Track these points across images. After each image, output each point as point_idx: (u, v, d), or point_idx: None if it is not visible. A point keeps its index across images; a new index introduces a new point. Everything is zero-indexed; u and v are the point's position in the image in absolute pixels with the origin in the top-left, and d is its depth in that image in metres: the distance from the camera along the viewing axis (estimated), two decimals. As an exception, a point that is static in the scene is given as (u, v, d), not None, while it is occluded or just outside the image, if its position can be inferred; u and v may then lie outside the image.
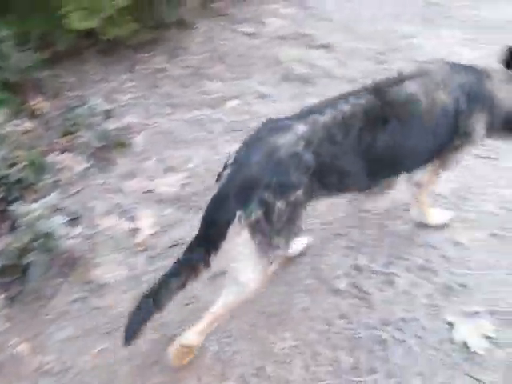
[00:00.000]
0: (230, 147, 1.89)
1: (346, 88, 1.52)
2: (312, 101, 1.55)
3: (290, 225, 1.37)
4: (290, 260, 1.69)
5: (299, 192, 1.35)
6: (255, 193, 1.31)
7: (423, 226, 1.80)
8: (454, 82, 1.56)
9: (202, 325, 1.39)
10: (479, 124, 1.62)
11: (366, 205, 1.90)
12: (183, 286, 1.33)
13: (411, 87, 1.50)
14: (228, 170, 1.36)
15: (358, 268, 1.67)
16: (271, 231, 1.33)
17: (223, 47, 3.05)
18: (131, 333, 1.32)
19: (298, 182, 1.34)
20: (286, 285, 1.63)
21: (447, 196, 1.92)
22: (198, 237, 1.36)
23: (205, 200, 1.37)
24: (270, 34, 3.19)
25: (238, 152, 1.39)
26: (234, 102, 2.55)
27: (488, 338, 1.44)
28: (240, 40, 3.12)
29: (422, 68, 1.59)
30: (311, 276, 1.66)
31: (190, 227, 1.81)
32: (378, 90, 1.48)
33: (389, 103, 1.46)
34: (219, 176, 1.38)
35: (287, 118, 1.43)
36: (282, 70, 2.77)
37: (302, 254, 1.72)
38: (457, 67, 1.61)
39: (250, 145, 1.40)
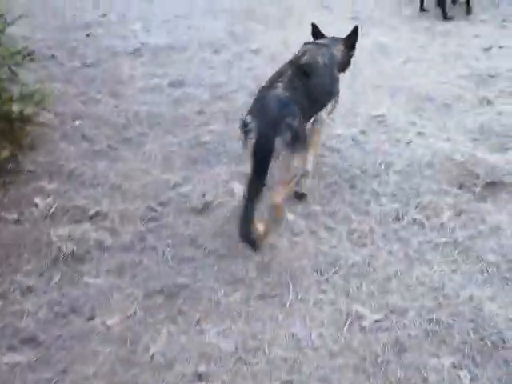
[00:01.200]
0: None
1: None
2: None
3: (303, 135, 2.48)
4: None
5: (300, 117, 2.40)
6: (282, 123, 2.29)
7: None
8: (325, 52, 2.81)
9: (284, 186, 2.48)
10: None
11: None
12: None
13: (308, 56, 2.70)
14: (253, 122, 2.32)
15: None
16: (296, 142, 2.35)
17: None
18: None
19: (297, 111, 2.37)
20: None
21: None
22: (254, 170, 2.28)
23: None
24: (38, 215, 3.03)
25: (252, 108, 2.42)
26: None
27: None
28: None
29: (305, 48, 2.82)
30: None
31: None
32: (294, 62, 2.65)
33: (304, 66, 2.62)
34: (244, 125, 2.35)
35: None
36: (53, 252, 2.63)
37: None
38: (320, 44, 2.93)
39: (259, 100, 2.43)
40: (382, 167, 3.26)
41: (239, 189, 2.93)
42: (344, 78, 3.23)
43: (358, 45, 3.12)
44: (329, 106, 2.89)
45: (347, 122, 3.72)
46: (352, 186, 3.12)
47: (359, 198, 3.03)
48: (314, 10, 5.41)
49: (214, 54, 4.74)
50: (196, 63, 4.61)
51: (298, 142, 2.39)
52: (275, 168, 2.38)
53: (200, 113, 3.90)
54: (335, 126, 3.65)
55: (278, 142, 2.28)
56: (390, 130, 3.61)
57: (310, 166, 2.92)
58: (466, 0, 5.25)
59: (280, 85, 2.42)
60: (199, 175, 3.22)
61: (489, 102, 3.88)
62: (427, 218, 2.88)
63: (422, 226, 2.84)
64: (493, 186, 3.07)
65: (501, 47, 4.59)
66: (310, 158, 2.90)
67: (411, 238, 2.73)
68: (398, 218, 2.88)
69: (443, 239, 2.73)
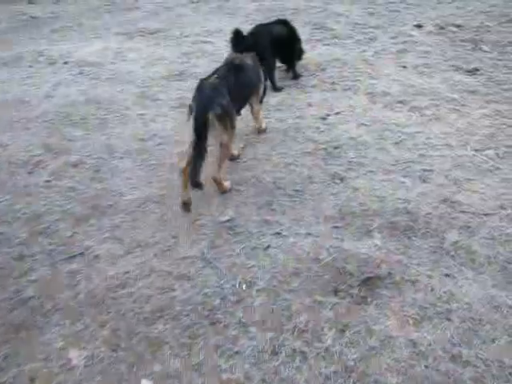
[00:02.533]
0: None
1: None
2: None
3: (232, 113, 3.37)
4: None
5: (228, 98, 3.26)
6: (214, 101, 3.18)
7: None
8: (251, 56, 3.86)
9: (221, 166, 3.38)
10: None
11: None
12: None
13: (239, 59, 3.68)
14: (194, 103, 3.21)
15: None
16: (227, 119, 3.27)
17: None
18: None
19: (226, 94, 3.26)
20: None
21: None
22: (195, 133, 3.14)
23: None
24: None
25: (194, 94, 3.27)
26: None
27: None
28: None
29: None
30: None
31: None
32: (229, 62, 3.64)
33: (236, 65, 3.59)
34: (189, 107, 3.24)
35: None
36: None
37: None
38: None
39: (197, 88, 3.29)
40: (244, 288, 2.73)
41: (79, 359, 2.35)
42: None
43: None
44: (259, 93, 3.90)
45: (192, 238, 3.14)
46: (213, 323, 2.54)
47: (225, 336, 2.45)
48: (136, 103, 4.85)
49: (28, 176, 3.93)
50: (7, 190, 3.76)
51: (228, 117, 3.27)
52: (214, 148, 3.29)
53: (19, 258, 3.08)
54: (179, 245, 3.05)
55: (211, 115, 3.14)
56: (243, 237, 3.10)
57: (264, 124, 4.16)
58: (291, 67, 5.08)
59: (214, 76, 3.34)
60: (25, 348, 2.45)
61: (341, 179, 3.57)
62: (308, 345, 2.38)
63: (305, 356, 2.33)
64: (369, 282, 2.69)
65: (337, 113, 4.40)
66: (261, 117, 4.12)
67: (295, 375, 2.27)
68: (275, 353, 2.35)
69: (332, 368, 2.24)
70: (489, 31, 6.36)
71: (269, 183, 3.56)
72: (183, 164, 3.24)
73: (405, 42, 6.06)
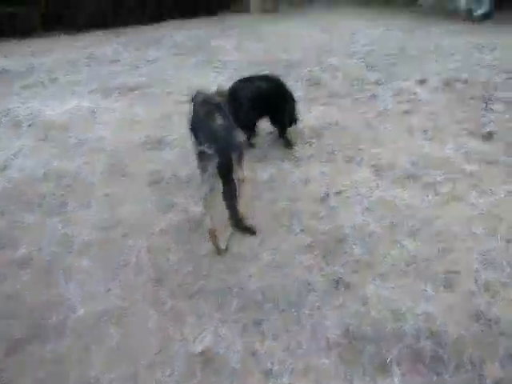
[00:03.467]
0: None
1: None
2: None
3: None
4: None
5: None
6: (233, 144, 3.09)
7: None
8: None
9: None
10: None
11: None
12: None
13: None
14: (212, 147, 3.02)
15: None
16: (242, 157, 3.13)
17: None
18: None
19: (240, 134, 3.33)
20: None
21: None
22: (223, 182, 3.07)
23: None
24: None
25: (207, 138, 3.11)
26: None
27: None
28: None
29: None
30: None
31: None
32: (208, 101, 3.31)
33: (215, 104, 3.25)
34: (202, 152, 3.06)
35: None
36: None
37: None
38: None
39: (207, 131, 3.17)
40: None
41: None
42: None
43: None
44: None
45: (156, 378, 2.40)
46: None
47: None
48: (103, 180, 4.17)
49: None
50: None
51: (242, 155, 3.11)
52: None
53: None
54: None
55: (234, 158, 3.03)
56: (222, 377, 2.38)
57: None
58: (281, 133, 4.44)
59: (217, 116, 3.12)
60: None
61: (347, 285, 2.87)
62: None
63: None
64: None
65: (338, 192, 3.74)
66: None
67: None
68: None
69: None
70: (498, 87, 5.82)
71: (256, 293, 2.85)
72: (212, 226, 3.04)
73: (409, 100, 5.48)
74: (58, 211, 3.73)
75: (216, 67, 7.28)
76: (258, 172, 3.99)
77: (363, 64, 6.99)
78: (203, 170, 3.04)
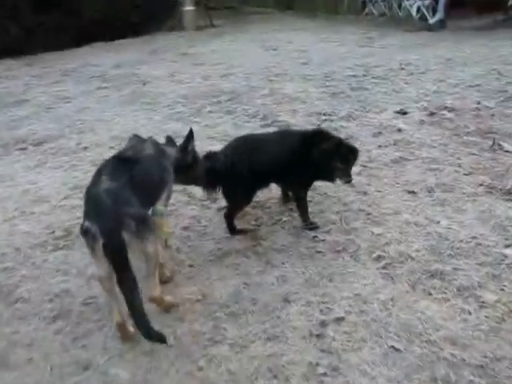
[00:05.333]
0: None
1: None
2: None
3: (147, 218, 2.42)
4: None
5: (135, 202, 2.30)
6: (121, 214, 2.21)
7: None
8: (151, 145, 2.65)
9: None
10: None
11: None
12: None
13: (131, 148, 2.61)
14: (94, 224, 2.15)
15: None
16: (142, 228, 2.27)
17: None
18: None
19: (131, 197, 2.30)
20: None
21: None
22: (116, 269, 2.16)
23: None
24: None
25: (87, 211, 2.24)
26: None
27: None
28: None
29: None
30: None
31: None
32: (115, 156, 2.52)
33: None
34: (85, 231, 2.18)
35: None
36: None
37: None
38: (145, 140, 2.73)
39: (89, 200, 2.29)
40: None
41: None
42: None
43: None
44: (163, 197, 2.62)
45: None
46: None
47: None
48: None
49: None
50: None
51: (144, 226, 2.24)
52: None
53: None
54: None
55: (126, 235, 2.14)
56: None
57: (160, 258, 2.56)
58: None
59: (105, 178, 2.26)
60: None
61: None
62: None
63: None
64: None
65: (337, 319, 2.51)
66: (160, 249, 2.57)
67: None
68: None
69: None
70: (494, 115, 4.80)
71: None
72: (118, 318, 2.31)
73: (395, 142, 4.35)
74: None
75: (146, 103, 5.92)
76: (245, 302, 2.66)
77: (325, 91, 5.83)
78: (91, 252, 2.22)
